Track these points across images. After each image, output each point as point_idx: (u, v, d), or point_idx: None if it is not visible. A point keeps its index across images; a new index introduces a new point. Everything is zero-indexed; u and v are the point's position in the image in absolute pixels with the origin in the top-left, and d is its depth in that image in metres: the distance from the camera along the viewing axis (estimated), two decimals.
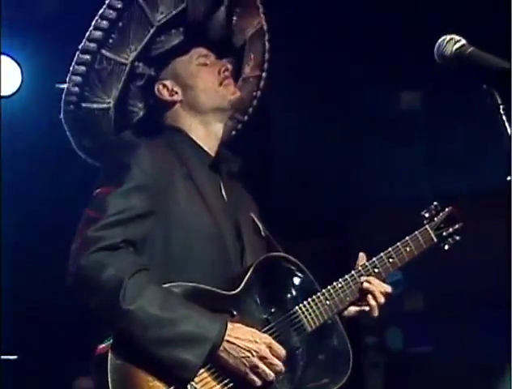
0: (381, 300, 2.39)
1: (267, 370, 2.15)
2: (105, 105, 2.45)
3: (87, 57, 2.37)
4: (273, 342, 2.19)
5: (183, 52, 2.49)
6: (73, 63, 2.39)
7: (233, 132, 2.76)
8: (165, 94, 2.48)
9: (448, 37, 1.92)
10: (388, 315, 5.20)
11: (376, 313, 2.41)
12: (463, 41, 1.91)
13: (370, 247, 2.53)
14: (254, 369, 2.14)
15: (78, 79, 2.40)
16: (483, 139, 4.30)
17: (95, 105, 2.44)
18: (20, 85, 4.90)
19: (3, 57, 4.85)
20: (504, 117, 1.82)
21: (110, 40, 2.37)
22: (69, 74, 2.41)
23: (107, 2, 2.34)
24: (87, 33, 2.35)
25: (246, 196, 2.60)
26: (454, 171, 4.80)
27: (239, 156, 2.58)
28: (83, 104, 2.44)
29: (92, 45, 2.36)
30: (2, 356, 3.83)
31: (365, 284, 2.39)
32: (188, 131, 2.47)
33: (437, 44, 1.93)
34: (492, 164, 4.26)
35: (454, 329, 4.85)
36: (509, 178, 1.78)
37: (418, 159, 5.04)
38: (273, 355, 2.16)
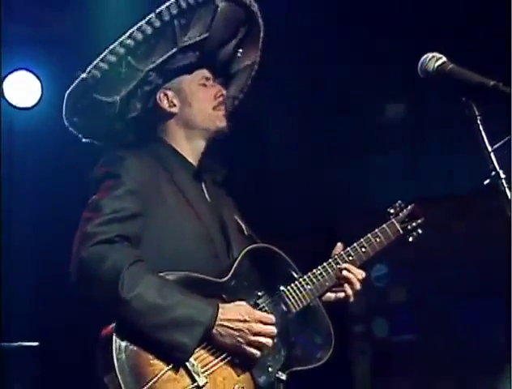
0: (358, 286, 2.47)
1: (264, 340, 2.21)
2: (111, 100, 2.46)
3: (114, 59, 2.38)
4: (261, 314, 2.25)
5: (190, 71, 2.52)
6: (98, 59, 2.40)
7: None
8: (165, 104, 2.51)
9: (430, 55, 1.97)
10: (374, 306, 5.28)
11: (352, 299, 2.48)
12: (444, 59, 1.95)
13: None
14: (251, 343, 2.20)
15: (97, 73, 2.40)
16: (459, 147, 4.34)
17: (104, 99, 2.46)
18: (40, 98, 4.92)
19: (24, 71, 4.88)
20: (480, 127, 1.86)
21: (138, 52, 2.39)
22: (91, 66, 2.41)
23: (147, 18, 2.36)
24: (121, 38, 2.37)
25: (227, 199, 2.64)
26: (434, 175, 4.83)
27: (229, 154, 2.61)
28: (93, 95, 2.45)
29: (122, 50, 2.37)
30: (24, 343, 3.82)
31: (344, 272, 2.46)
32: (173, 143, 2.51)
33: (421, 61, 1.97)
34: (467, 169, 4.32)
35: (434, 319, 4.87)
36: (486, 182, 1.82)
37: (402, 164, 5.06)
38: (264, 323, 2.21)
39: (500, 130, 1.84)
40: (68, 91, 2.48)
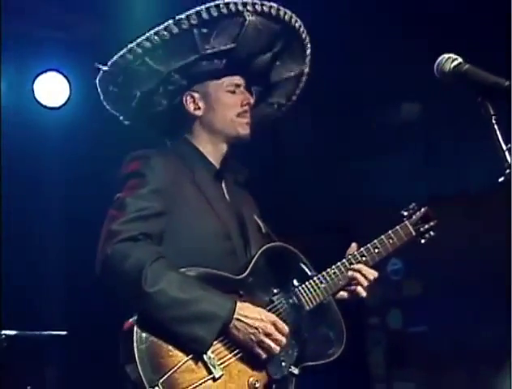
0: (365, 284, 2.44)
1: (272, 345, 2.19)
2: (131, 94, 2.46)
3: (131, 57, 2.36)
4: (277, 320, 2.23)
5: (218, 77, 2.46)
6: (117, 56, 2.38)
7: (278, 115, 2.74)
8: (190, 106, 2.47)
9: (446, 56, 1.93)
10: (389, 299, 5.24)
11: (363, 294, 2.46)
12: (460, 60, 1.92)
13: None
14: (261, 344, 2.19)
15: (116, 70, 2.40)
16: (473, 146, 4.29)
17: (122, 92, 2.46)
18: (68, 98, 4.94)
19: (53, 72, 4.90)
20: (496, 126, 1.83)
21: (156, 53, 2.36)
22: (110, 62, 2.40)
23: (165, 24, 2.32)
24: (139, 39, 2.34)
25: (248, 198, 2.62)
26: (447, 174, 4.78)
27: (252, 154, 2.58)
28: (111, 87, 2.46)
29: (139, 50, 2.34)
30: (53, 332, 3.83)
31: (353, 273, 2.44)
32: (197, 144, 2.48)
33: (437, 62, 1.94)
34: (480, 168, 4.27)
35: (447, 312, 4.83)
36: (500, 180, 1.79)
37: (416, 163, 5.02)
38: (277, 331, 2.20)
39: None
40: (97, 80, 2.48)
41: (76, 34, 4.84)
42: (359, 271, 2.44)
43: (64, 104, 4.92)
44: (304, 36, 2.54)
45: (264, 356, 2.20)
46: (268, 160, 4.98)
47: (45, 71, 4.88)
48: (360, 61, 4.50)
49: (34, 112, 4.86)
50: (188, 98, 2.47)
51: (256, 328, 2.17)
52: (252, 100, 2.50)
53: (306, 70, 2.63)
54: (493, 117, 1.83)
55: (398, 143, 4.95)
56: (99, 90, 2.52)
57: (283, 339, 2.22)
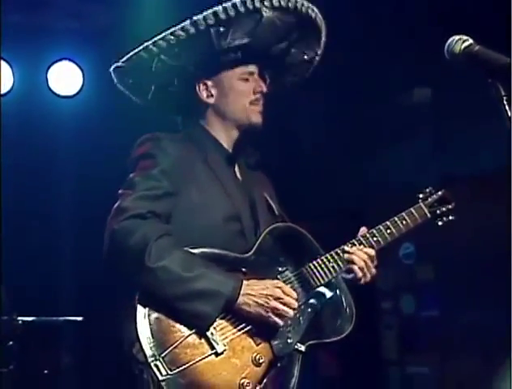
0: (361, 264, 2.37)
1: (286, 309, 2.18)
2: (147, 87, 2.45)
3: (146, 55, 2.35)
4: (283, 284, 2.23)
5: (233, 66, 2.44)
6: (132, 53, 2.36)
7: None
8: (203, 94, 2.45)
9: (457, 37, 1.90)
10: (402, 283, 5.23)
11: (360, 275, 2.37)
12: (471, 41, 1.89)
13: None
14: (275, 311, 2.18)
15: (130, 65, 2.38)
16: (483, 131, 4.26)
17: (137, 83, 2.45)
18: (81, 87, 4.95)
19: (67, 61, 4.91)
20: (507, 107, 1.81)
21: (172, 52, 2.34)
22: (125, 58, 2.38)
23: (182, 24, 2.30)
24: (155, 38, 2.32)
25: (262, 178, 2.59)
26: (460, 157, 4.76)
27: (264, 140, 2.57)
28: (126, 79, 2.44)
29: (155, 49, 2.33)
30: (69, 318, 3.86)
31: (346, 255, 2.38)
32: (210, 129, 2.46)
33: (447, 43, 1.91)
34: (490, 153, 4.24)
35: (460, 296, 4.82)
36: None
37: (428, 147, 5.00)
38: (285, 294, 2.20)
39: None
40: (112, 70, 2.45)
41: (89, 23, 4.85)
42: (354, 253, 2.39)
43: (77, 93, 4.94)
44: (319, 24, 2.50)
45: (281, 323, 2.18)
46: (283, 148, 4.97)
47: (59, 60, 4.90)
48: (371, 47, 4.47)
49: (48, 101, 4.89)
50: (201, 85, 2.45)
51: (265, 296, 2.17)
52: (265, 89, 2.47)
53: (320, 51, 2.60)
54: (504, 97, 1.81)
55: (409, 128, 4.93)
56: (114, 77, 2.49)
57: (294, 302, 2.21)
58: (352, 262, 2.39)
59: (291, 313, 2.20)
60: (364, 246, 2.42)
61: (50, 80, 4.89)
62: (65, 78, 4.90)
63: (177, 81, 2.45)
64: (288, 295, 2.21)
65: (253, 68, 2.46)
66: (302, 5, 2.40)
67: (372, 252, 2.42)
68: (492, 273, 4.57)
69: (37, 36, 4.73)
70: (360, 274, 2.39)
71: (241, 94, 2.43)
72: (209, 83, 2.44)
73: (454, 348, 4.88)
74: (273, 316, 2.18)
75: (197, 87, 2.45)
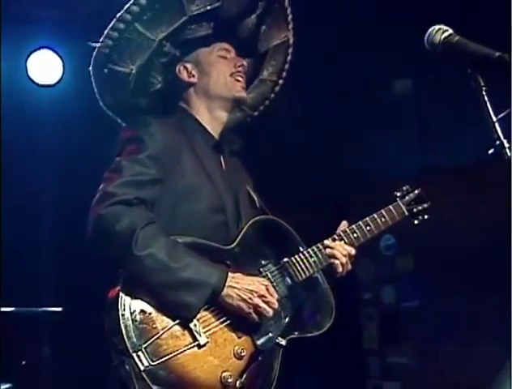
0: (343, 259, 2.40)
1: (267, 308, 2.19)
2: (128, 70, 2.42)
3: (122, 26, 2.33)
4: (268, 284, 2.24)
5: (208, 44, 2.48)
6: (108, 28, 2.36)
7: (243, 123, 2.73)
8: (184, 75, 2.47)
9: (437, 27, 1.90)
10: (382, 274, 5.25)
11: (340, 270, 2.40)
12: (451, 31, 1.89)
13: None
14: (256, 308, 2.18)
15: (109, 42, 2.36)
16: (465, 120, 4.27)
17: (119, 68, 2.41)
18: (62, 76, 4.89)
19: (47, 50, 4.85)
20: (486, 98, 1.80)
21: (144, 17, 2.33)
22: (102, 37, 2.38)
23: None
24: (126, 6, 2.32)
25: (243, 171, 2.60)
26: (442, 148, 4.77)
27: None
28: (109, 65, 2.41)
29: (128, 17, 2.32)
30: (48, 308, 3.83)
31: (328, 250, 2.41)
32: (195, 114, 2.47)
33: (427, 33, 1.91)
34: (471, 143, 4.25)
35: (440, 286, 4.85)
36: (491, 151, 1.77)
37: (411, 138, 5.00)
38: (269, 294, 2.21)
39: (504, 101, 1.78)
40: (90, 65, 2.45)
41: (70, 12, 4.78)
42: (335, 248, 2.41)
43: (57, 82, 4.88)
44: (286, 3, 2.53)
45: (257, 320, 2.19)
46: (267, 135, 4.95)
47: (38, 49, 4.83)
48: (352, 39, 4.46)
49: (27, 89, 4.82)
50: (181, 68, 2.47)
51: (250, 292, 2.17)
52: (245, 63, 2.49)
53: (291, 40, 2.62)
54: (483, 88, 1.80)
55: (392, 118, 4.93)
56: (94, 85, 2.49)
57: (276, 303, 2.22)
58: (334, 257, 2.40)
59: (271, 313, 2.20)
60: (345, 242, 2.44)
61: (30, 69, 4.82)
62: (45, 67, 4.84)
63: (156, 62, 2.45)
64: (271, 295, 2.21)
65: (227, 45, 2.48)
66: None
67: (353, 251, 2.44)
68: (472, 264, 4.59)
69: (16, 24, 4.66)
70: (340, 269, 2.40)
71: (221, 69, 2.45)
72: (188, 65, 2.46)
73: (434, 338, 4.90)
74: (253, 313, 2.19)
75: (177, 71, 2.46)
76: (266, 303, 2.19)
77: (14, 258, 4.36)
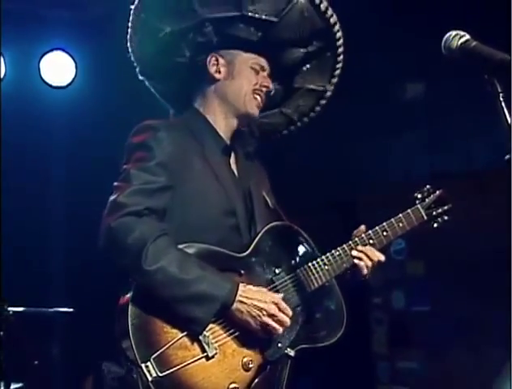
0: (369, 263, 2.37)
1: (277, 326, 2.16)
2: (161, 27, 2.40)
3: None
4: (281, 301, 2.20)
5: (247, 50, 2.42)
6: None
7: (285, 131, 2.72)
8: (212, 67, 2.42)
9: (454, 33, 1.90)
10: (392, 279, 5.24)
11: (364, 272, 2.37)
12: (468, 36, 1.89)
13: (377, 221, 2.50)
14: (264, 326, 2.16)
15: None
16: (478, 125, 4.26)
17: (154, 22, 2.40)
18: (74, 77, 4.92)
19: (60, 52, 4.88)
20: (503, 104, 1.81)
21: None
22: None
23: None
24: None
25: (259, 172, 2.56)
26: (453, 151, 4.76)
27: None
28: (143, 14, 2.42)
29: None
30: (59, 309, 3.84)
31: (355, 252, 2.38)
32: (208, 115, 2.43)
33: (444, 38, 1.91)
34: (487, 145, 4.24)
35: (450, 291, 4.83)
36: (507, 157, 1.77)
37: (422, 140, 4.99)
38: (281, 312, 2.17)
39: None
40: (132, 9, 2.43)
41: (83, 13, 4.82)
42: (363, 252, 2.37)
43: (70, 84, 4.91)
44: (340, 51, 2.51)
45: (266, 337, 2.17)
46: (275, 142, 4.96)
47: (51, 50, 4.87)
48: (365, 41, 4.46)
49: (40, 91, 4.86)
50: (212, 59, 2.42)
51: (259, 310, 2.14)
52: (271, 87, 2.44)
53: (328, 93, 2.60)
54: (501, 94, 1.80)
55: (403, 121, 4.92)
56: (129, 24, 2.45)
57: (288, 320, 2.18)
58: (360, 260, 2.36)
59: (280, 331, 2.17)
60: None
61: (43, 70, 4.86)
62: (57, 68, 4.87)
63: (191, 36, 2.40)
64: (283, 312, 2.17)
65: (265, 63, 2.44)
66: (332, 15, 2.40)
67: (382, 257, 2.39)
68: (483, 269, 4.58)
69: (30, 25, 4.70)
70: (365, 271, 2.36)
71: (247, 80, 2.41)
72: (221, 60, 2.41)
73: (444, 343, 4.89)
74: (261, 330, 2.16)
75: (208, 60, 2.41)
76: (277, 322, 2.16)
77: (27, 259, 4.39)
